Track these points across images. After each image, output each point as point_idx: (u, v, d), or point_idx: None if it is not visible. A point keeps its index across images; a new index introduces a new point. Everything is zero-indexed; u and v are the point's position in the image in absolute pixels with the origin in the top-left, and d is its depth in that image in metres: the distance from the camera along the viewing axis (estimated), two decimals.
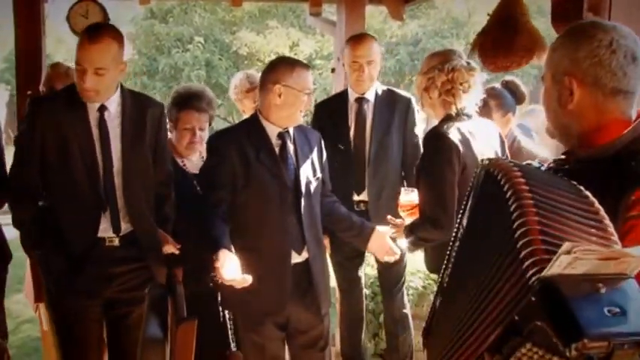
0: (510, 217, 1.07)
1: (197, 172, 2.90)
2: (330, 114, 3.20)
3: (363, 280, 3.30)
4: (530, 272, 0.98)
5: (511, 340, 1.01)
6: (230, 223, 2.42)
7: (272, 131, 2.50)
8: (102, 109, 2.50)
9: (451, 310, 1.31)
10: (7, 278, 2.90)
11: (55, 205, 2.50)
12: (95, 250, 2.55)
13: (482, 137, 2.39)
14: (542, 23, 4.32)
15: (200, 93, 2.86)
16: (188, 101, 2.79)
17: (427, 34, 9.68)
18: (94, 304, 2.59)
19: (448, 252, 1.40)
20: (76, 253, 2.52)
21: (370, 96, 3.12)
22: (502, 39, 2.53)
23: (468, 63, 2.37)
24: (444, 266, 1.41)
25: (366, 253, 3.07)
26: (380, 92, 3.14)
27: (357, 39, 3.19)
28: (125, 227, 2.54)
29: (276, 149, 2.48)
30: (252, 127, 2.53)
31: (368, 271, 3.56)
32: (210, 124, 2.90)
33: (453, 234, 1.40)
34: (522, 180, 1.13)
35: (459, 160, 2.29)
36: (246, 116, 3.52)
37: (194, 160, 2.97)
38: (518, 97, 3.16)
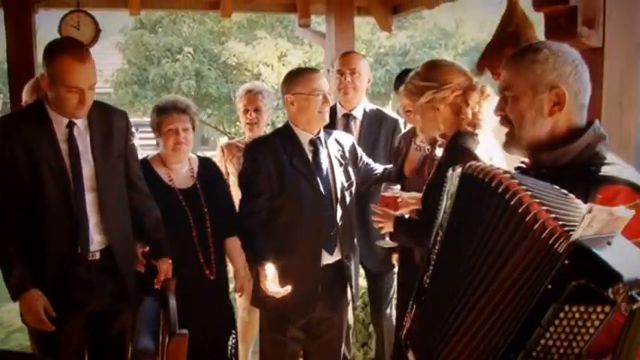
0: (507, 206, 1.22)
1: (184, 187, 2.89)
2: None
3: None
4: (558, 242, 1.13)
5: (548, 309, 1.12)
6: (265, 226, 2.60)
7: (304, 138, 2.65)
8: (70, 124, 2.46)
9: (438, 306, 1.39)
10: None
11: (32, 224, 2.42)
12: (77, 265, 2.53)
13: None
14: None
15: (175, 98, 2.97)
16: (166, 106, 2.87)
17: (415, 44, 9.73)
18: (77, 317, 2.57)
19: (427, 256, 1.47)
20: (58, 269, 2.50)
21: (358, 113, 3.18)
22: (507, 51, 2.55)
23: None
24: (421, 269, 1.50)
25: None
26: (368, 110, 3.19)
27: (345, 52, 3.42)
28: (104, 240, 2.53)
29: (309, 155, 2.62)
30: (286, 134, 2.68)
31: (360, 281, 3.57)
32: (193, 129, 2.93)
33: (432, 239, 1.48)
34: (507, 175, 1.28)
35: None
36: (242, 124, 3.69)
37: (183, 173, 2.95)
38: None
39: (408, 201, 2.46)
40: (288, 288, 2.42)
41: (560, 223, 1.15)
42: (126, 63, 9.19)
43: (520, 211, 1.19)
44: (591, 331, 1.11)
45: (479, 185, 1.32)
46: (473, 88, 2.28)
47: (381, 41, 8.91)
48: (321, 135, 2.68)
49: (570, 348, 1.13)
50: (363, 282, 3.55)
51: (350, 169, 2.71)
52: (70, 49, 2.42)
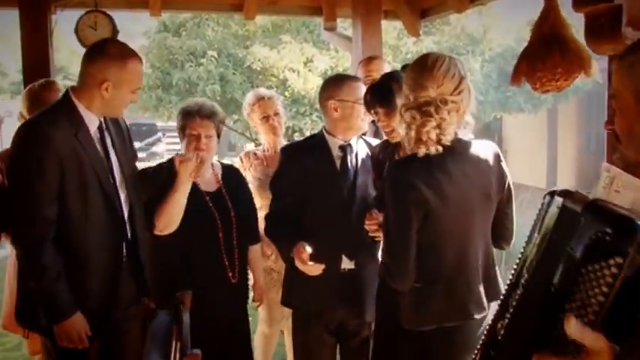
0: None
1: (210, 190, 2.88)
2: None
3: None
4: None
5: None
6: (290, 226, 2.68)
7: (334, 144, 2.72)
8: (101, 125, 2.44)
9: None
10: None
11: (76, 234, 2.36)
12: (119, 271, 2.49)
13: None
14: None
15: (202, 102, 2.94)
16: (191, 110, 2.85)
17: (442, 50, 9.56)
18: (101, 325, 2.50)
19: (501, 302, 1.27)
20: (101, 277, 2.44)
21: None
22: (548, 58, 2.39)
23: None
24: (493, 319, 1.29)
25: None
26: None
27: (367, 58, 3.55)
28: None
29: (337, 161, 2.69)
30: (317, 140, 2.76)
31: None
32: (218, 135, 2.91)
33: (509, 280, 1.27)
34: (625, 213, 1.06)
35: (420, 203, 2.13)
36: (257, 131, 3.66)
37: (207, 177, 2.92)
38: None
39: None
40: (320, 266, 2.48)
41: None
42: (149, 67, 9.16)
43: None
44: (605, 289, 0.95)
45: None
46: (411, 106, 2.14)
47: (408, 47, 8.76)
48: (352, 141, 2.73)
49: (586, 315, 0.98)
50: None
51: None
52: (133, 52, 2.49)
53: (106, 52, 2.39)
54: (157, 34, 9.19)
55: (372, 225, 2.44)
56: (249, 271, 3.12)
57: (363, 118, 2.68)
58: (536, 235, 1.22)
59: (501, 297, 1.29)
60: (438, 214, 2.13)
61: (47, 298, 2.32)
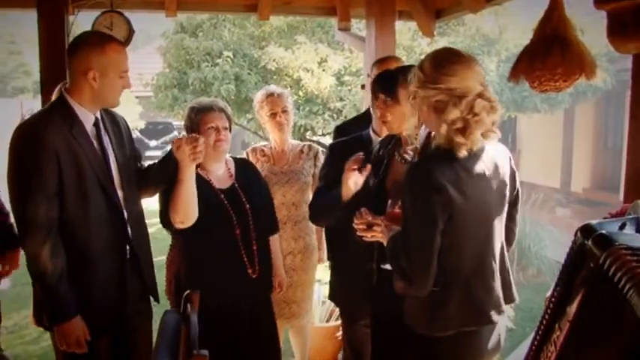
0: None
1: (224, 187, 2.90)
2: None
3: None
4: None
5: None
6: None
7: (377, 141, 2.75)
8: (97, 122, 2.46)
9: None
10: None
11: (77, 231, 2.39)
12: (123, 265, 2.51)
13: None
14: None
15: (212, 99, 3.04)
16: (205, 105, 2.91)
17: None
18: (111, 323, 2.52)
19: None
20: (103, 275, 2.46)
21: None
22: (548, 57, 2.37)
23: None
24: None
25: None
26: None
27: (382, 58, 3.58)
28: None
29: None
30: (364, 138, 2.83)
31: None
32: (230, 130, 2.96)
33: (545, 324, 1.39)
34: None
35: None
36: (265, 127, 3.84)
37: (220, 174, 2.94)
38: None
39: None
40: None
41: None
42: (166, 67, 9.22)
43: None
44: None
45: (615, 290, 1.17)
46: (457, 103, 2.07)
47: (422, 47, 8.72)
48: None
49: None
50: None
51: None
52: (112, 37, 2.51)
53: (84, 43, 2.42)
54: (175, 35, 9.23)
55: (361, 225, 2.37)
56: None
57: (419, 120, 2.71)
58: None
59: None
60: (461, 216, 2.07)
61: (49, 298, 2.32)
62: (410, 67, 2.70)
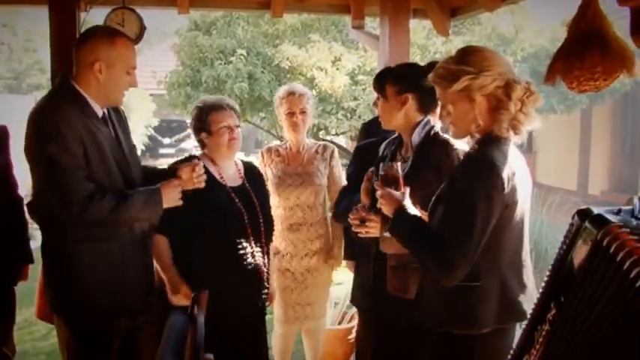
0: None
1: (235, 185, 2.88)
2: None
3: None
4: None
5: None
6: None
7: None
8: (104, 116, 2.46)
9: None
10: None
11: None
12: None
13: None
14: None
15: (219, 97, 3.03)
16: (216, 104, 2.87)
17: None
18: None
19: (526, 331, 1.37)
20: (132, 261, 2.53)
21: None
22: (586, 55, 2.29)
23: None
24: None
25: None
26: None
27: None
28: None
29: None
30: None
31: None
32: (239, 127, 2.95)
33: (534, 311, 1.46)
34: None
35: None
36: (282, 126, 3.71)
37: (230, 173, 2.92)
38: None
39: None
40: None
41: None
42: (180, 65, 9.21)
43: None
44: None
45: (615, 268, 1.21)
46: (517, 81, 2.05)
47: (436, 46, 8.64)
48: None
49: None
50: None
51: None
52: (122, 32, 2.52)
53: (93, 35, 2.41)
54: (188, 33, 9.23)
55: (355, 220, 2.39)
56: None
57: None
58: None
59: None
60: (509, 211, 2.07)
61: (141, 209, 2.36)
62: (402, 65, 2.73)
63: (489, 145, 2.08)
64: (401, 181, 2.30)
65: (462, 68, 2.06)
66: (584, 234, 1.41)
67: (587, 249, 1.36)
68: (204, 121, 2.85)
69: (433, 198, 2.25)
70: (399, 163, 2.36)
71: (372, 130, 3.34)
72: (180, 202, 2.52)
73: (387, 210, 2.24)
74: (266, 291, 3.00)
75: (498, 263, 2.13)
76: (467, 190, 2.04)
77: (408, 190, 2.26)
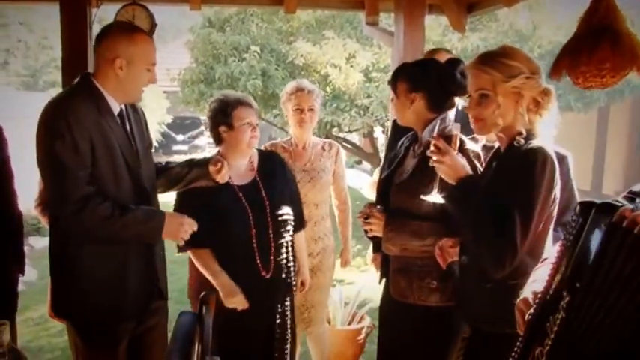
0: None
1: (243, 183, 2.83)
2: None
3: None
4: None
5: None
6: None
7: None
8: (121, 113, 2.43)
9: None
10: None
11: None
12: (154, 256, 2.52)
13: None
14: None
15: (239, 93, 2.95)
16: (240, 99, 2.81)
17: (489, 47, 9.25)
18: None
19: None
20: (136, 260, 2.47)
21: (451, 114, 2.97)
22: (596, 50, 2.24)
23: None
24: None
25: None
26: (460, 108, 3.02)
27: (431, 50, 3.60)
28: None
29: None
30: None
31: None
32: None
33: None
34: None
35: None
36: (287, 121, 3.73)
37: (242, 169, 2.87)
38: None
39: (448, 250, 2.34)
40: None
41: None
42: (194, 61, 9.21)
43: None
44: None
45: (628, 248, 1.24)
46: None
47: (452, 43, 8.55)
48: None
49: None
50: None
51: None
52: (141, 29, 2.47)
53: (113, 31, 2.39)
54: (202, 30, 9.23)
55: (361, 217, 2.44)
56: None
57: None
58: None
59: None
60: (553, 209, 2.13)
61: (137, 227, 2.32)
62: (417, 62, 2.68)
63: (537, 142, 2.11)
64: (456, 140, 2.24)
65: (518, 65, 2.08)
66: (594, 220, 1.45)
67: (600, 234, 1.38)
68: (228, 115, 2.77)
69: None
70: (458, 124, 2.31)
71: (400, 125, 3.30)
72: (182, 241, 2.46)
73: (447, 173, 2.18)
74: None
75: (536, 259, 2.08)
76: (530, 185, 2.04)
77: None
